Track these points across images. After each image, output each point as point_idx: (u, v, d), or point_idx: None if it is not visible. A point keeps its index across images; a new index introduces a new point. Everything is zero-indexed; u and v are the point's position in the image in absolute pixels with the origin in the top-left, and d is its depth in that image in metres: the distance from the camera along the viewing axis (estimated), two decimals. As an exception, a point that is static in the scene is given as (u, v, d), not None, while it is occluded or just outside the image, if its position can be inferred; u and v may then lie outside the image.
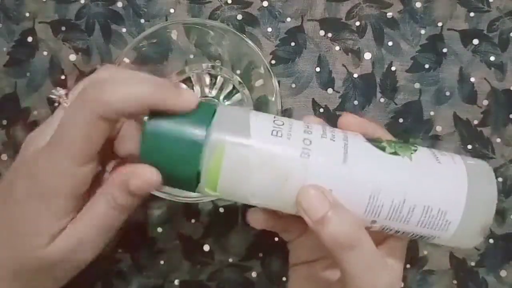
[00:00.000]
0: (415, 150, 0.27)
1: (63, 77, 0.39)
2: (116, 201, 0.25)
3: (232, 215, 0.39)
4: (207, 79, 0.38)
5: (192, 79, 0.38)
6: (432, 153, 0.27)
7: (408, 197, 0.25)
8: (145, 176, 0.25)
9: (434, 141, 0.39)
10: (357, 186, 0.25)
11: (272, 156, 0.25)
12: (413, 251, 0.39)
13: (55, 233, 0.25)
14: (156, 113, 0.25)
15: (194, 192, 0.26)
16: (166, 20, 0.40)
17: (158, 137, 0.25)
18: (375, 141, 0.27)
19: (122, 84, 0.24)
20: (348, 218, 0.25)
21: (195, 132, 0.25)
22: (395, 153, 0.26)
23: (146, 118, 0.25)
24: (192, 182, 0.25)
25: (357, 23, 0.39)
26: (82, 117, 0.24)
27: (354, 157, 0.25)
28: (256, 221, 0.30)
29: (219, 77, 0.38)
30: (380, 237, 0.28)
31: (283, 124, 0.26)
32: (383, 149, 0.26)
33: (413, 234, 0.26)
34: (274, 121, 0.26)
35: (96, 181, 0.27)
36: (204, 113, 0.25)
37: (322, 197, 0.24)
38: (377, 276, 0.26)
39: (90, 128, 0.24)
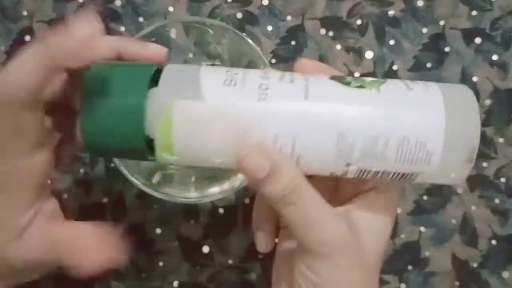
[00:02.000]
0: (384, 82, 0.24)
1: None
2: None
3: (232, 216, 0.39)
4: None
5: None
6: (403, 83, 0.25)
7: (380, 130, 0.23)
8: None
9: (436, 141, 0.39)
10: (322, 127, 0.23)
11: (227, 107, 0.23)
12: (415, 253, 0.38)
13: (21, 228, 0.25)
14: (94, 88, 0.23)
15: (151, 160, 0.25)
16: (165, 19, 0.39)
17: (97, 111, 0.23)
18: (339, 78, 0.24)
19: (86, 38, 0.23)
20: (287, 175, 0.23)
21: (132, 96, 0.23)
22: (361, 87, 0.24)
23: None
24: (142, 150, 0.24)
25: (359, 22, 0.39)
26: (41, 66, 0.23)
27: (316, 96, 0.23)
28: (264, 245, 0.30)
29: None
30: (352, 191, 0.27)
31: (237, 73, 0.24)
32: (348, 84, 0.24)
33: (394, 173, 0.24)
34: (227, 71, 0.24)
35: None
36: (143, 73, 0.24)
37: (262, 159, 0.23)
38: (322, 230, 0.24)
39: (49, 77, 0.23)
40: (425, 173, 0.24)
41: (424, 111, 0.23)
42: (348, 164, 0.24)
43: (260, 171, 0.23)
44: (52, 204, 0.27)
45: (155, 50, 0.25)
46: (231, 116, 0.23)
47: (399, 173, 0.24)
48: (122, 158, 0.25)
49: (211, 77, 0.24)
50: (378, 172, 0.24)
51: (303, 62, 0.27)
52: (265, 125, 0.23)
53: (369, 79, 0.25)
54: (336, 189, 0.29)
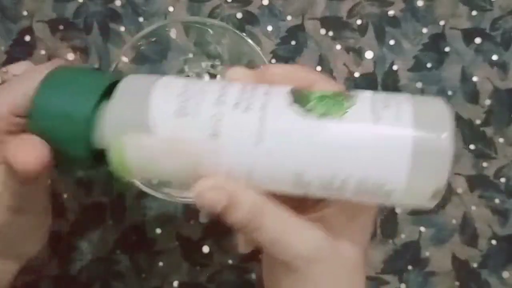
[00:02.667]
0: (352, 105, 0.22)
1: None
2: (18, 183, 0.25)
3: (232, 215, 0.39)
4: (207, 78, 0.38)
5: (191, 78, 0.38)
6: (372, 107, 0.22)
7: (337, 171, 0.22)
8: (29, 151, 0.23)
9: (436, 141, 0.39)
10: (277, 168, 0.22)
11: (176, 141, 0.22)
12: (415, 253, 0.38)
13: None
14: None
15: (98, 168, 0.25)
16: (165, 19, 0.39)
17: (45, 111, 0.24)
18: (301, 100, 0.23)
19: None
20: (245, 204, 0.23)
21: (80, 105, 0.23)
22: (323, 114, 0.22)
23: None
24: (86, 160, 0.24)
25: (359, 22, 0.39)
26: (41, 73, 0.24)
27: (271, 132, 0.22)
28: (244, 246, 0.29)
29: (218, 76, 0.38)
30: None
31: (192, 96, 0.23)
32: (309, 110, 0.22)
33: (357, 201, 0.23)
34: (182, 93, 0.23)
35: None
36: (100, 83, 0.24)
37: (216, 193, 0.23)
38: (294, 244, 0.24)
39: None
40: (388, 202, 0.23)
41: (385, 151, 0.21)
42: (306, 194, 0.23)
43: (217, 205, 0.23)
44: None
45: None
46: (181, 150, 0.22)
47: (362, 201, 0.23)
48: (68, 165, 0.26)
49: (163, 102, 0.23)
50: (340, 199, 0.23)
51: (273, 70, 0.25)
52: (216, 163, 0.22)
53: (337, 98, 0.23)
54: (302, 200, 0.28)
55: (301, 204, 0.25)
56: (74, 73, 0.25)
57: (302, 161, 0.22)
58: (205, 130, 0.22)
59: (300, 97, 0.23)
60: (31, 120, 0.24)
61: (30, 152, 0.23)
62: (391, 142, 0.21)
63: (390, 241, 0.38)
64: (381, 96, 0.23)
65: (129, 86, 0.24)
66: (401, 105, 0.22)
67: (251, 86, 0.23)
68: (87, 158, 0.24)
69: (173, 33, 0.36)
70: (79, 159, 0.24)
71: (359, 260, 0.26)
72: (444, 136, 0.21)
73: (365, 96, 0.23)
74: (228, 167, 0.22)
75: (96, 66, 0.39)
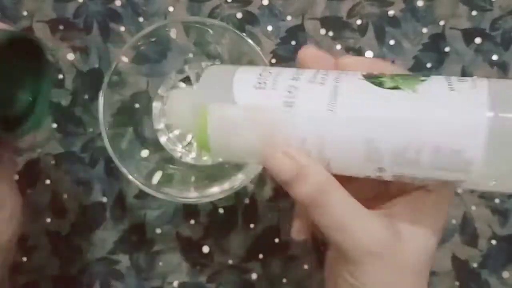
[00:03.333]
0: (423, 81, 0.22)
1: (61, 76, 0.39)
2: None
3: (232, 216, 0.39)
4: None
5: (192, 78, 0.38)
6: (447, 81, 0.22)
7: (410, 138, 0.21)
8: None
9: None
10: (349, 133, 0.22)
11: (254, 110, 0.23)
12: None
13: None
14: None
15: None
16: (165, 19, 0.39)
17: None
18: (373, 77, 0.23)
19: None
20: (314, 178, 0.23)
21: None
22: (395, 87, 0.22)
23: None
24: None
25: (359, 22, 0.39)
26: None
27: (344, 100, 0.22)
28: (296, 233, 0.29)
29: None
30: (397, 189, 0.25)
31: (270, 74, 0.24)
32: (381, 84, 0.22)
33: (433, 179, 0.22)
34: (260, 73, 0.24)
35: None
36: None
37: (287, 161, 0.23)
38: (354, 234, 0.23)
39: None
40: (468, 181, 0.21)
41: (462, 117, 0.20)
42: (380, 169, 0.23)
43: (286, 173, 0.23)
44: None
45: None
46: (259, 118, 0.23)
47: (439, 179, 0.22)
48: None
49: (244, 79, 0.24)
50: (415, 178, 0.22)
51: (345, 60, 0.26)
52: (291, 129, 0.23)
53: (408, 76, 0.23)
54: (381, 184, 0.27)
55: (368, 201, 0.25)
56: None
57: (374, 128, 0.22)
58: (281, 99, 0.23)
59: (372, 76, 0.23)
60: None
61: None
62: (467, 105, 0.21)
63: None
64: (454, 76, 0.23)
65: (213, 72, 0.25)
66: (476, 80, 0.22)
67: (324, 70, 0.24)
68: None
69: (173, 33, 0.36)
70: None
71: (424, 264, 0.25)
72: None
73: (438, 76, 0.23)
74: (302, 136, 0.23)
75: (97, 66, 0.39)
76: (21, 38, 0.26)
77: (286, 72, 0.24)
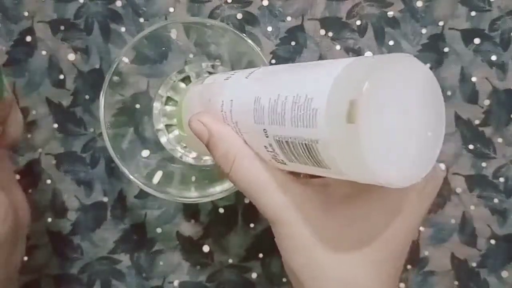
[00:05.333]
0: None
1: (61, 76, 0.39)
2: None
3: (232, 215, 0.39)
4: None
5: (192, 78, 0.38)
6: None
7: (281, 91, 0.22)
8: None
9: (435, 141, 0.39)
10: (247, 93, 0.25)
11: (209, 85, 0.30)
12: (414, 252, 0.38)
13: None
14: None
15: None
16: (166, 19, 0.39)
17: None
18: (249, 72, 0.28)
19: None
20: (221, 146, 0.25)
21: None
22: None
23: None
24: None
25: (358, 22, 0.39)
26: None
27: (259, 71, 0.26)
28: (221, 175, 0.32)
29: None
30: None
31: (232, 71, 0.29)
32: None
33: (298, 141, 0.22)
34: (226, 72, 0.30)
35: None
36: None
37: (200, 126, 0.26)
38: (261, 202, 0.24)
39: None
40: (321, 144, 0.20)
41: (321, 71, 0.21)
42: (265, 131, 0.23)
43: (202, 137, 0.26)
44: None
45: None
46: (207, 89, 0.29)
47: (302, 143, 0.21)
48: None
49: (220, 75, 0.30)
50: (288, 143, 0.22)
51: None
52: (218, 94, 0.27)
53: None
54: None
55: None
56: None
57: (261, 85, 0.25)
58: (224, 77, 0.28)
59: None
60: None
61: None
62: (327, 66, 0.22)
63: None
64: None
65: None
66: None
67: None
68: None
69: (173, 34, 0.36)
70: None
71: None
72: (351, 64, 0.21)
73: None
74: (221, 100, 0.27)
75: (97, 66, 0.39)
76: None
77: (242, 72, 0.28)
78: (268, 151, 0.24)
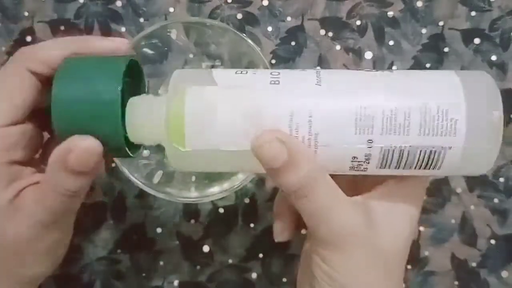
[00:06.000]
0: (394, 68, 0.26)
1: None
2: (64, 187, 0.23)
3: (232, 215, 0.39)
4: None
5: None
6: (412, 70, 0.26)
7: (399, 102, 0.22)
8: (82, 146, 0.23)
9: (435, 141, 0.39)
10: (338, 103, 0.22)
11: (240, 88, 0.23)
12: (414, 252, 0.38)
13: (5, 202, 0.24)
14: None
15: (134, 157, 0.25)
16: (166, 19, 0.39)
17: (68, 102, 0.23)
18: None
19: (47, 41, 0.26)
20: (303, 168, 0.23)
21: (106, 90, 0.23)
22: (371, 70, 0.24)
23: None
24: (121, 146, 0.23)
25: (358, 22, 0.39)
26: (11, 70, 0.25)
27: (329, 77, 0.23)
28: (280, 234, 0.29)
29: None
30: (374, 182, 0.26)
31: (247, 69, 0.24)
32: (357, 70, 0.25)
33: (421, 151, 0.22)
34: (236, 71, 0.24)
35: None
36: (119, 66, 0.23)
37: (279, 148, 0.22)
38: (333, 219, 0.23)
39: (19, 80, 0.24)
40: (453, 148, 0.22)
41: (441, 80, 0.23)
42: (370, 141, 0.22)
43: (276, 161, 0.22)
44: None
45: (115, 42, 0.26)
46: (243, 97, 0.22)
47: (425, 151, 0.22)
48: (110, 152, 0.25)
49: (222, 71, 0.24)
50: (403, 151, 0.22)
51: None
52: (279, 103, 0.22)
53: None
54: (356, 182, 0.28)
55: (349, 186, 0.25)
56: (85, 62, 0.24)
57: (363, 93, 0.22)
58: (266, 79, 0.23)
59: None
60: (55, 116, 0.23)
61: (90, 140, 0.23)
62: (442, 76, 0.23)
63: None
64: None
65: (184, 71, 0.25)
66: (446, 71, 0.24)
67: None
68: (122, 143, 0.23)
69: (173, 34, 0.36)
70: (116, 145, 0.23)
71: (398, 252, 0.25)
72: (485, 75, 0.24)
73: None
74: (290, 110, 0.22)
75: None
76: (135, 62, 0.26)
77: (262, 71, 0.24)
78: (353, 161, 0.23)
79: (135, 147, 0.25)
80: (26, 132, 0.25)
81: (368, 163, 0.23)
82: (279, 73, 0.23)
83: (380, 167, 0.23)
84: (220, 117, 0.22)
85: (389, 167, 0.23)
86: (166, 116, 0.23)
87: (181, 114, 0.22)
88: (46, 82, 0.25)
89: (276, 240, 0.29)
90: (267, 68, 0.34)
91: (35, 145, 0.27)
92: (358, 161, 0.23)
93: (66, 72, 0.24)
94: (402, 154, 0.23)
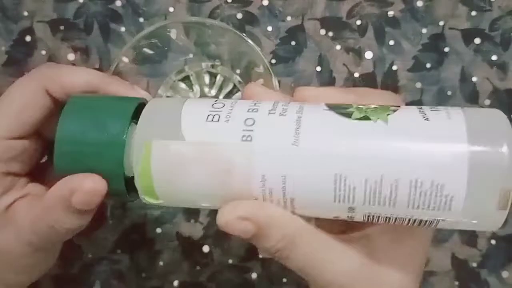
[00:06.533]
0: (394, 111, 0.20)
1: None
2: (64, 226, 0.24)
3: (232, 215, 0.39)
4: (207, 78, 0.38)
5: (192, 78, 0.38)
6: (419, 110, 0.20)
7: (386, 172, 0.19)
8: (87, 187, 0.22)
9: (435, 141, 0.39)
10: (315, 168, 0.20)
11: (208, 145, 0.21)
12: (414, 252, 0.38)
13: None
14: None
15: (133, 200, 0.24)
16: (165, 19, 0.39)
17: (71, 140, 0.22)
18: (339, 108, 0.21)
19: (71, 67, 0.26)
20: (277, 233, 0.21)
21: (112, 131, 0.22)
22: (364, 118, 0.20)
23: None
24: (121, 190, 0.23)
25: (358, 22, 0.39)
26: (29, 85, 0.25)
27: (308, 132, 0.20)
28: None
29: (218, 76, 0.38)
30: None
31: (223, 106, 0.22)
32: (348, 115, 0.20)
33: (410, 219, 0.20)
34: (212, 104, 0.22)
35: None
36: (127, 107, 0.23)
37: (243, 224, 0.21)
38: (328, 269, 0.22)
39: (33, 98, 0.24)
40: (447, 220, 0.20)
41: (441, 146, 0.19)
42: (351, 209, 0.21)
43: (245, 235, 0.22)
44: (37, 188, 0.27)
45: (140, 94, 0.26)
46: (212, 155, 0.21)
47: (416, 220, 0.20)
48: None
49: (194, 112, 0.22)
50: (389, 218, 0.21)
51: (304, 92, 0.23)
52: (250, 165, 0.20)
53: (377, 106, 0.21)
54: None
55: (345, 223, 0.23)
56: (93, 101, 0.24)
57: (343, 163, 0.19)
58: (237, 133, 0.21)
59: (337, 106, 0.21)
60: (58, 154, 0.23)
61: (96, 180, 0.22)
62: (445, 135, 0.19)
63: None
64: (426, 106, 0.21)
65: (158, 103, 0.23)
66: (450, 110, 0.20)
67: (283, 101, 0.22)
68: (122, 187, 0.23)
69: (173, 34, 0.36)
70: (116, 189, 0.23)
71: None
72: (500, 117, 0.21)
73: (409, 106, 0.21)
74: (262, 173, 0.20)
75: (97, 66, 0.39)
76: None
77: (242, 103, 0.22)
78: (335, 218, 0.22)
79: (135, 191, 0.24)
80: (27, 147, 0.26)
81: (353, 219, 0.22)
82: (253, 122, 0.21)
83: (366, 221, 0.22)
84: (188, 176, 0.21)
85: (375, 222, 0.22)
86: (135, 172, 0.22)
87: (148, 171, 0.21)
88: (59, 105, 0.25)
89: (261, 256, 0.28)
90: (267, 68, 0.34)
91: (33, 160, 0.27)
92: (341, 219, 0.22)
93: (74, 109, 0.23)
94: (389, 219, 0.21)
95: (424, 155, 0.19)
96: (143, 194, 0.23)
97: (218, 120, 0.21)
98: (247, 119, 0.21)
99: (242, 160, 0.20)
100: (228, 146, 0.21)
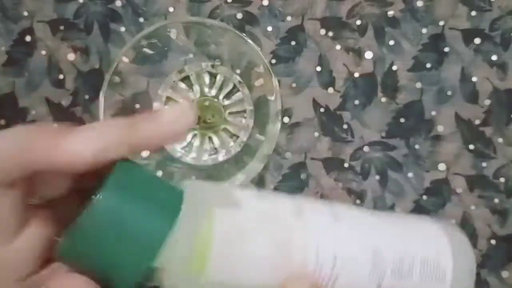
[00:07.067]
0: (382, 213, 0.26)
1: (61, 76, 0.39)
2: None
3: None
4: (207, 78, 0.38)
5: (192, 78, 0.38)
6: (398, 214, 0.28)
7: (406, 250, 0.24)
8: None
9: (435, 141, 0.39)
10: (358, 243, 0.23)
11: (269, 218, 0.21)
12: (415, 252, 0.38)
13: None
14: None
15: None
16: (165, 19, 0.39)
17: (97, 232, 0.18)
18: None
19: (66, 129, 0.19)
20: None
21: (156, 229, 0.18)
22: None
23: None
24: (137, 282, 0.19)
25: (358, 22, 0.39)
26: None
27: (344, 216, 0.23)
28: None
29: (218, 76, 0.38)
30: None
31: (268, 195, 0.23)
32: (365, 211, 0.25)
33: None
34: (258, 192, 0.23)
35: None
36: (172, 200, 0.20)
37: None
38: None
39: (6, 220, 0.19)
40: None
41: (433, 236, 0.25)
42: (378, 286, 0.23)
43: None
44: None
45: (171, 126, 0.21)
46: (273, 224, 0.21)
47: None
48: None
49: (243, 191, 0.22)
50: None
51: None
52: (306, 236, 0.21)
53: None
54: None
55: None
56: (144, 181, 0.21)
57: (378, 237, 0.24)
58: (287, 207, 0.22)
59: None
60: (73, 238, 0.18)
61: None
62: (430, 229, 0.25)
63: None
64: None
65: (198, 188, 0.22)
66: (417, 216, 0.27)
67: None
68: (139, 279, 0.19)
69: (173, 34, 0.36)
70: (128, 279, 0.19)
71: None
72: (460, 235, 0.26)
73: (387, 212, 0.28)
74: (316, 247, 0.22)
75: (97, 66, 0.39)
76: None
77: (281, 196, 0.23)
78: None
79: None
80: None
81: None
82: (295, 200, 0.23)
83: None
84: (250, 246, 0.20)
85: None
86: (190, 241, 0.19)
87: (209, 240, 0.19)
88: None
89: None
90: (267, 68, 0.34)
91: None
92: None
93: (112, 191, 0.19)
94: None
95: (425, 240, 0.25)
96: (192, 268, 0.20)
97: (267, 196, 0.23)
98: (292, 198, 0.23)
99: (299, 233, 0.21)
100: (284, 219, 0.21)
